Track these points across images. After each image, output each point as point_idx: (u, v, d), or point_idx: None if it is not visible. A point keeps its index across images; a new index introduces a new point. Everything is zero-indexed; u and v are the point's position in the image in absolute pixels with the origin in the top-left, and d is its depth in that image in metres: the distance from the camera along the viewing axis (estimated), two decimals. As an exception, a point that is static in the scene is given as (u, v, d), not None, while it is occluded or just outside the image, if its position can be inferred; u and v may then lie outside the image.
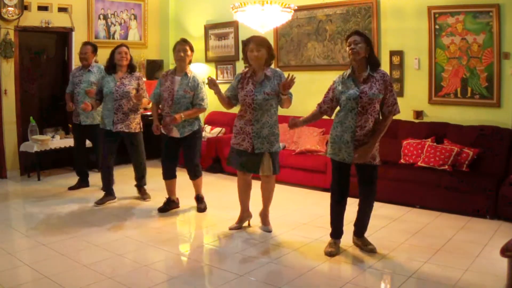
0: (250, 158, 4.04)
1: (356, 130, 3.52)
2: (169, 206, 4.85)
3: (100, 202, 5.03)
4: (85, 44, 5.71)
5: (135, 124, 5.09)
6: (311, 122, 3.94)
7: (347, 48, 3.56)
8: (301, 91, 6.58)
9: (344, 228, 3.77)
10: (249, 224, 4.33)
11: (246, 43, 4.06)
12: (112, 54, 5.04)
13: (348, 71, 3.59)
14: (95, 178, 5.85)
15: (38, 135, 6.26)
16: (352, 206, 3.77)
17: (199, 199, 4.90)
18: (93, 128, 5.62)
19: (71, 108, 5.67)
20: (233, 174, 6.47)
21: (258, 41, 4.00)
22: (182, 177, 4.99)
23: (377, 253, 3.66)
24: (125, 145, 5.19)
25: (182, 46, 4.58)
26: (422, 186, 4.83)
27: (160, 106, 4.77)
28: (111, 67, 5.04)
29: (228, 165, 4.33)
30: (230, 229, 4.25)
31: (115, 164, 5.25)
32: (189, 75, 4.62)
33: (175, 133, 4.64)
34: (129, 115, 5.02)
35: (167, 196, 4.88)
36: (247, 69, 4.10)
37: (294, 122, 3.77)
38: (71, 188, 5.72)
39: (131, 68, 5.11)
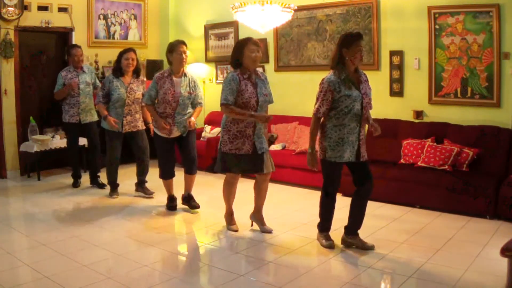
0: (253, 160, 4.00)
1: (360, 130, 3.62)
2: (176, 202, 4.93)
3: (113, 194, 5.34)
4: (77, 47, 5.77)
5: (141, 122, 5.32)
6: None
7: (358, 53, 3.54)
8: (300, 91, 6.59)
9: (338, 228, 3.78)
10: (252, 224, 4.32)
11: (242, 44, 3.98)
12: (120, 57, 5.13)
13: (343, 73, 3.56)
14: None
15: (38, 135, 6.26)
16: (343, 205, 3.76)
17: (191, 197, 4.90)
18: (91, 126, 5.79)
19: (75, 84, 5.55)
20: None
21: (256, 42, 4.00)
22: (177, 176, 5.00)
23: (377, 253, 3.66)
24: (126, 144, 5.26)
25: (183, 48, 4.60)
26: (422, 186, 4.82)
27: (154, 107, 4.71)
28: (118, 70, 5.14)
29: (217, 172, 4.24)
30: (231, 230, 4.24)
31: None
32: (188, 75, 4.70)
33: (176, 133, 4.68)
34: (136, 116, 5.25)
35: (169, 194, 4.92)
36: (237, 71, 3.96)
37: (313, 162, 3.72)
38: (76, 186, 5.87)
39: (137, 73, 5.27)
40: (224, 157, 4.04)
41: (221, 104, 3.91)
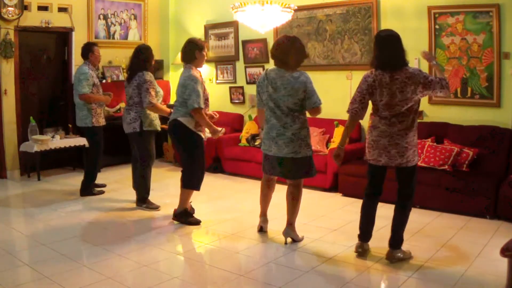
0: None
1: None
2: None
3: (153, 205, 4.91)
4: (96, 45, 5.47)
5: None
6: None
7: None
8: (301, 91, 6.60)
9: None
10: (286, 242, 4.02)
11: (301, 43, 3.79)
12: (151, 55, 4.82)
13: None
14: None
15: (38, 135, 6.25)
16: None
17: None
18: (102, 129, 5.56)
19: (109, 99, 5.39)
20: (233, 174, 6.50)
21: None
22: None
23: (377, 253, 3.65)
24: (128, 145, 5.14)
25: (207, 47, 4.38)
26: (422, 186, 4.80)
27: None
28: (148, 67, 4.77)
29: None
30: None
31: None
32: None
33: (207, 137, 4.44)
34: None
35: (186, 208, 4.44)
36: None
37: None
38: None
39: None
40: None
41: (319, 105, 3.73)
